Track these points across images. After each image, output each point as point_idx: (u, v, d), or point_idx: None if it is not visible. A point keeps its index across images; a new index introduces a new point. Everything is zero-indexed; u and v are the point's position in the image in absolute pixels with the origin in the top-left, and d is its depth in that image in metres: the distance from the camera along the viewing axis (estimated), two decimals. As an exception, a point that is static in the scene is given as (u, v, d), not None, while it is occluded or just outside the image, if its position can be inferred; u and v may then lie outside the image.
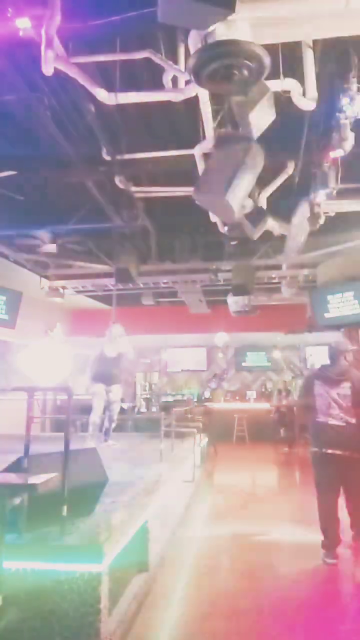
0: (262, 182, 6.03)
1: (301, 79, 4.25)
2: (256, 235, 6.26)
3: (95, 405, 6.64)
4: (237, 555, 4.58)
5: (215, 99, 4.73)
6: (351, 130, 4.83)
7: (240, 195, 3.96)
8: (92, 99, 4.58)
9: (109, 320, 8.15)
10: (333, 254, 9.25)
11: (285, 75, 4.18)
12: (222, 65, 3.19)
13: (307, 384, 4.63)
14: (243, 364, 16.09)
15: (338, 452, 4.24)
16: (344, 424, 4.28)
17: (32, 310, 11.16)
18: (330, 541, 4.23)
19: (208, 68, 3.20)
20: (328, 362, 4.58)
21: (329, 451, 4.28)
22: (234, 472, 9.33)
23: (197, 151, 5.56)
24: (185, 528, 5.27)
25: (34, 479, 2.62)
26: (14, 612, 2.52)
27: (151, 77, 4.83)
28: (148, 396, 15.36)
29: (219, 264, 10.07)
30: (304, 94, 4.27)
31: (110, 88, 4.40)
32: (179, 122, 5.94)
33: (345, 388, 4.34)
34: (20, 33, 3.74)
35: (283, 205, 6.91)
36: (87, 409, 6.84)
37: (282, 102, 4.25)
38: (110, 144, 5.98)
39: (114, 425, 6.90)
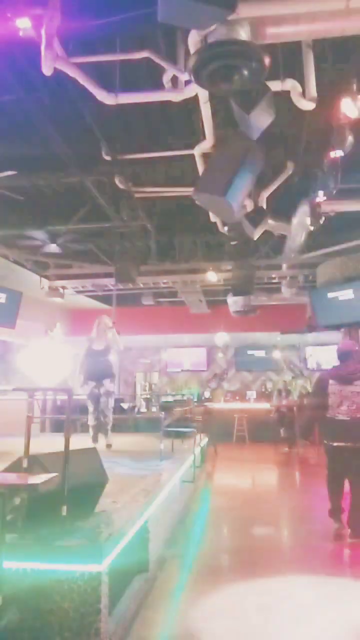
0: (262, 182, 6.03)
1: (301, 79, 4.25)
2: (256, 235, 6.27)
3: (90, 408, 6.46)
4: (237, 555, 4.58)
5: (215, 99, 4.74)
6: (351, 130, 4.83)
7: (240, 195, 3.96)
8: (92, 99, 4.57)
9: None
10: (333, 254, 9.26)
11: (285, 75, 4.18)
12: (222, 65, 3.19)
13: (322, 383, 4.93)
14: (243, 364, 16.08)
15: (343, 444, 4.65)
16: (349, 418, 4.64)
17: (32, 310, 11.16)
18: (336, 509, 4.76)
19: (208, 68, 3.20)
20: (338, 362, 4.91)
21: (335, 444, 4.69)
22: (234, 472, 9.33)
23: (197, 151, 5.56)
24: (185, 528, 5.27)
25: (34, 479, 2.62)
26: (14, 612, 2.52)
27: (151, 77, 4.83)
28: (148, 396, 15.35)
29: (219, 264, 10.08)
30: (304, 94, 4.27)
31: (110, 88, 4.40)
32: (179, 122, 5.95)
33: (358, 386, 4.69)
34: (20, 33, 3.74)
35: (283, 205, 6.92)
36: (87, 409, 6.80)
37: (282, 102, 4.25)
38: (110, 144, 5.98)
39: (110, 424, 6.55)
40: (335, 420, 4.68)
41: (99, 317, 6.78)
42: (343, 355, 4.85)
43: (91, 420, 6.50)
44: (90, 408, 6.47)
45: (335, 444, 4.68)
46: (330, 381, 4.79)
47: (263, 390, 15.70)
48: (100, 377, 6.43)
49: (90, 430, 6.53)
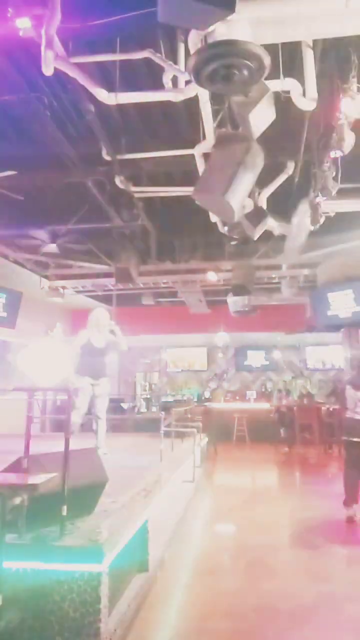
0: (262, 182, 6.03)
1: (301, 79, 4.25)
2: (256, 235, 6.26)
3: (77, 403, 5.60)
4: (237, 555, 4.58)
5: (215, 99, 4.73)
6: (351, 130, 4.83)
7: (240, 195, 3.96)
8: (92, 99, 4.57)
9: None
10: (333, 254, 9.26)
11: (285, 75, 4.18)
12: (221, 65, 3.19)
13: (341, 388, 5.81)
14: (243, 364, 16.09)
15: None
16: None
17: (32, 310, 11.16)
18: (349, 498, 5.34)
19: (208, 68, 3.20)
20: (354, 371, 5.95)
21: (354, 439, 5.33)
22: (234, 472, 9.33)
23: (197, 151, 5.57)
24: (185, 528, 5.27)
25: (34, 479, 2.62)
26: (14, 612, 2.52)
27: (151, 77, 4.83)
28: (148, 396, 15.34)
29: (219, 264, 10.08)
30: (304, 94, 4.27)
31: (110, 88, 4.40)
32: (179, 122, 5.95)
33: None
34: (20, 33, 3.74)
35: (283, 205, 6.91)
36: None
37: (282, 102, 4.25)
38: (110, 144, 5.98)
39: (104, 429, 5.87)
40: (354, 420, 5.36)
41: (96, 311, 6.06)
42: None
43: (74, 417, 5.53)
44: (77, 403, 5.63)
45: (354, 439, 5.35)
46: (347, 386, 5.59)
47: (263, 390, 15.70)
48: (98, 375, 5.86)
49: (73, 427, 5.48)
